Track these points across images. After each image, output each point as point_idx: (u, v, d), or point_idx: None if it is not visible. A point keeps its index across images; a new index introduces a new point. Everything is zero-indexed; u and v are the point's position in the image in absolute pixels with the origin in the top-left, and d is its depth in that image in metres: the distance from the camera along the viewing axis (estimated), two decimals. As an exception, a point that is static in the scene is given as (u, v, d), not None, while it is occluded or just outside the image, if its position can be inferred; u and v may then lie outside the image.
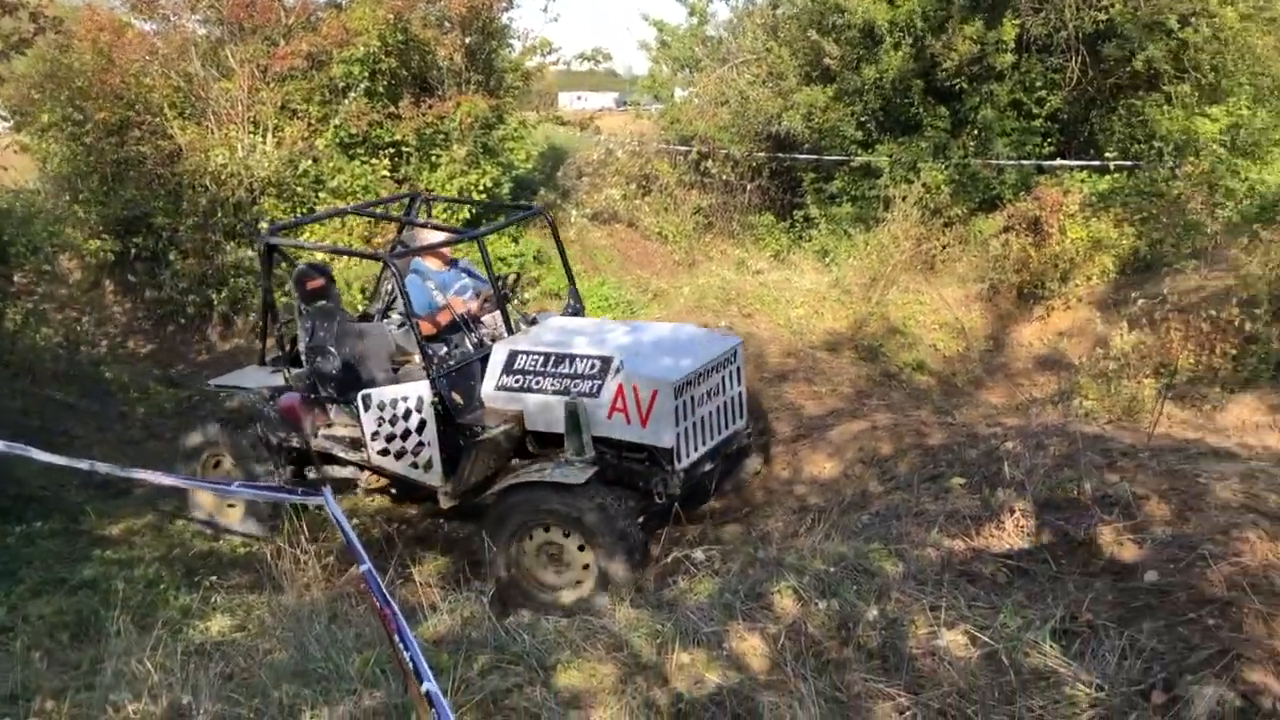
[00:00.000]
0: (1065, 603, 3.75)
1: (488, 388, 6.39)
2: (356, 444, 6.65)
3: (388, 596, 2.88)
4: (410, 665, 2.58)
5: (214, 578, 6.22)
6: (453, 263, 7.48)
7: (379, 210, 9.93)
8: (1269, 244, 8.50)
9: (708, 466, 6.29)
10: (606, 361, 6.01)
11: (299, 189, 12.55)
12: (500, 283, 6.99)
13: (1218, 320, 8.14)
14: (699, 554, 4.54)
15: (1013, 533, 4.40)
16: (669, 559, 4.97)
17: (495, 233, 12.20)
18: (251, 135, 12.65)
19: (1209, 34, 12.65)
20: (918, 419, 7.35)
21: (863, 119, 14.32)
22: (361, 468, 6.84)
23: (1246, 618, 3.50)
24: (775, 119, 15.15)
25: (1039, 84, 13.52)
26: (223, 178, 12.16)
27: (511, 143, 14.09)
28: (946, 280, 12.79)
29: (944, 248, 13.17)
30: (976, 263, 12.72)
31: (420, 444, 6.25)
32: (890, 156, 13.80)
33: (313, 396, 6.95)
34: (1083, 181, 12.94)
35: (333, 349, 6.73)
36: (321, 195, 12.67)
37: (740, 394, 6.63)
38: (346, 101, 12.71)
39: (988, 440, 6.01)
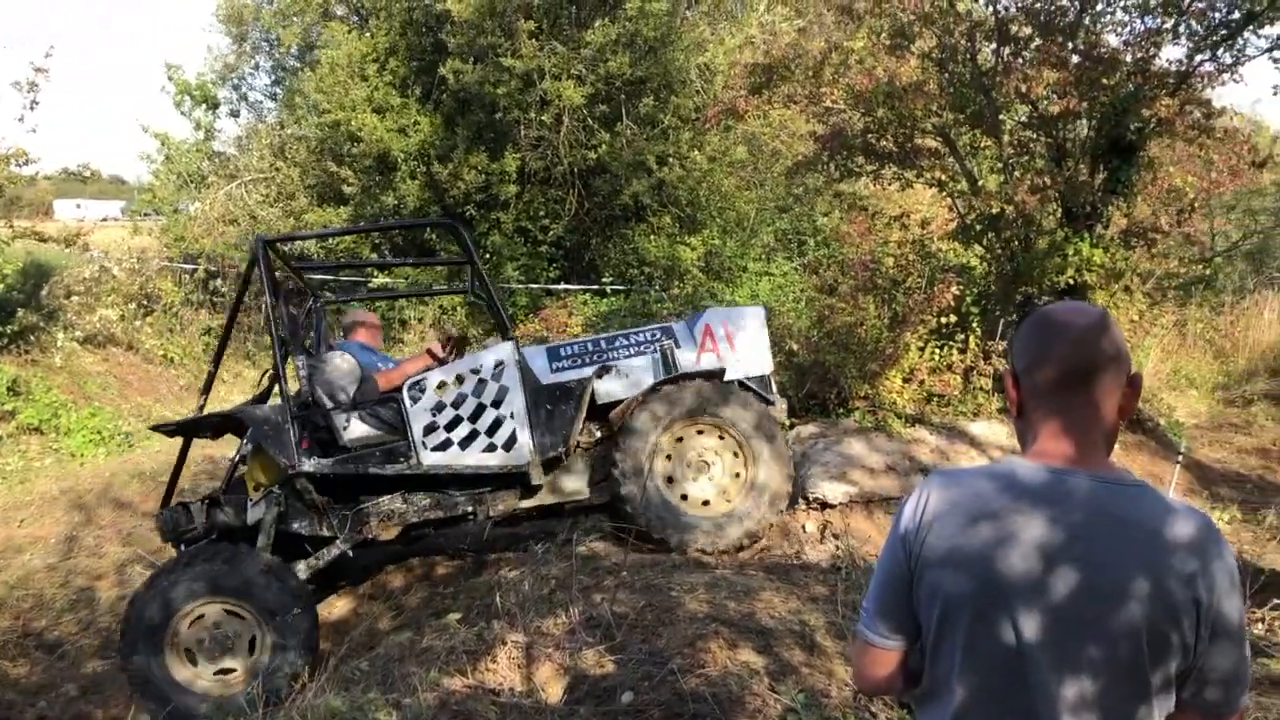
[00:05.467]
0: (552, 734, 3.84)
1: (541, 374, 5.97)
2: (394, 455, 5.72)
3: None
4: None
5: None
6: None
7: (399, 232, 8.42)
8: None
9: None
10: (666, 329, 6.23)
11: None
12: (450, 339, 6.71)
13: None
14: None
15: (506, 666, 4.45)
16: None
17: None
18: None
19: (682, 173, 14.28)
20: (429, 545, 7.33)
21: (378, 242, 14.44)
22: (397, 484, 5.90)
23: (709, 727, 3.78)
24: (288, 239, 14.82)
25: (542, 213, 14.46)
26: None
27: (-20, 260, 12.51)
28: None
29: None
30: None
31: (499, 419, 5.72)
32: (407, 279, 13.99)
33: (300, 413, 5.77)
34: (585, 303, 13.91)
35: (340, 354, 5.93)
36: None
37: None
38: None
39: (492, 567, 6.12)
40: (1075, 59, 8.13)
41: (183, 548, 5.99)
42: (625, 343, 6.13)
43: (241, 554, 5.56)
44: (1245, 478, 8.84)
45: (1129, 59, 8.13)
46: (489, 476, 5.89)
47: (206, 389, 6.47)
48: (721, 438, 5.87)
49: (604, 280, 14.16)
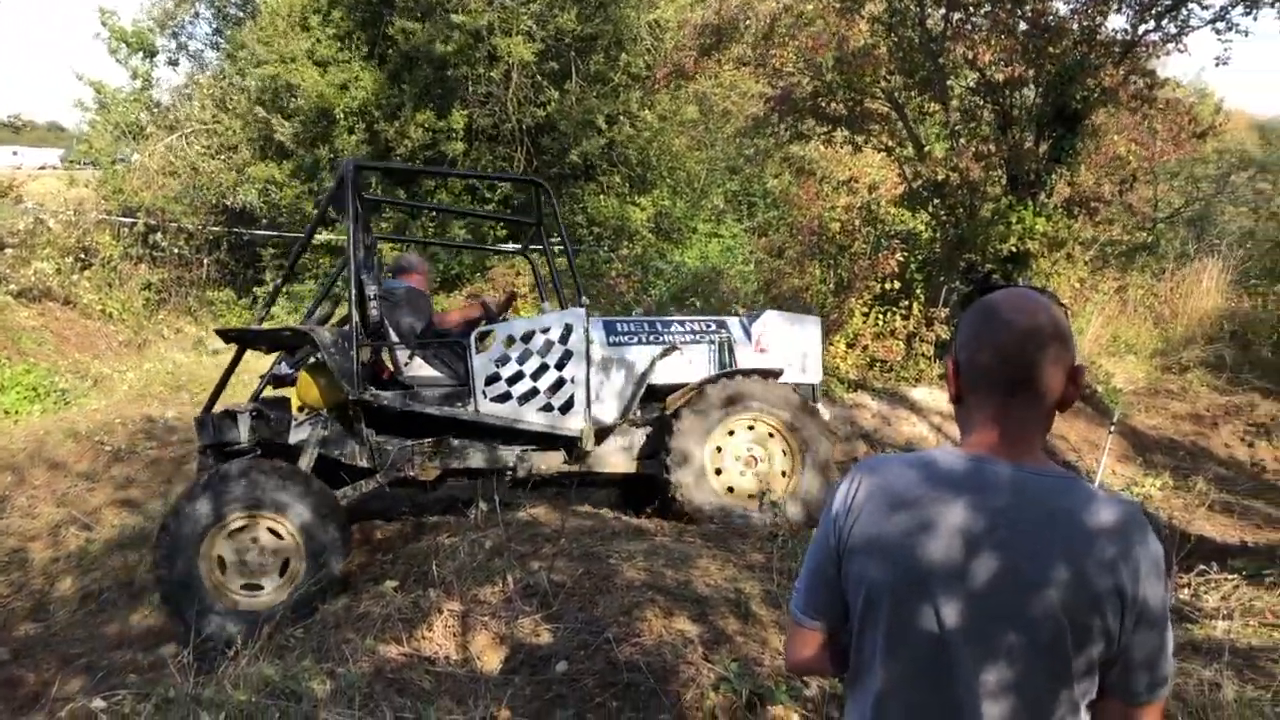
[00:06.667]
0: (485, 703, 3.83)
1: (598, 344, 5.98)
2: (452, 398, 5.78)
3: None
4: None
5: None
6: None
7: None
8: (684, 324, 9.57)
9: None
10: (722, 323, 6.26)
11: None
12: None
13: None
14: (99, 703, 4.05)
15: (442, 635, 4.43)
16: (65, 711, 4.39)
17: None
18: None
19: (632, 133, 14.15)
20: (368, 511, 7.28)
21: (321, 196, 14.19)
22: (446, 427, 5.87)
23: (643, 697, 3.80)
24: (230, 192, 14.53)
25: (490, 171, 14.27)
26: None
27: (-97, 212, 12.12)
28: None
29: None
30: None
31: (560, 381, 5.75)
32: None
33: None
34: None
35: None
36: None
37: None
38: None
39: (431, 532, 6.09)
40: (1023, 26, 8.15)
41: (208, 459, 5.92)
42: (681, 329, 6.23)
43: (287, 471, 5.48)
44: (1179, 444, 9.03)
45: (1075, 27, 8.16)
46: (538, 435, 5.91)
47: (269, 305, 6.61)
48: (772, 435, 5.91)
49: (552, 240, 14.01)
